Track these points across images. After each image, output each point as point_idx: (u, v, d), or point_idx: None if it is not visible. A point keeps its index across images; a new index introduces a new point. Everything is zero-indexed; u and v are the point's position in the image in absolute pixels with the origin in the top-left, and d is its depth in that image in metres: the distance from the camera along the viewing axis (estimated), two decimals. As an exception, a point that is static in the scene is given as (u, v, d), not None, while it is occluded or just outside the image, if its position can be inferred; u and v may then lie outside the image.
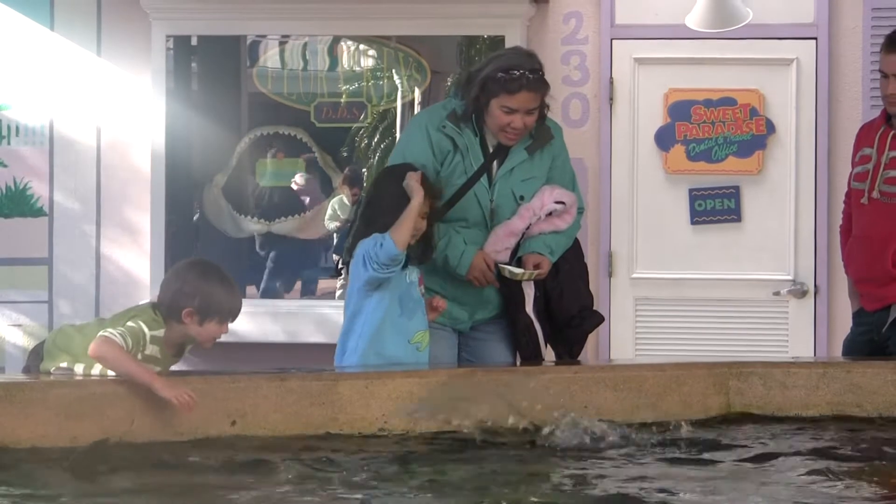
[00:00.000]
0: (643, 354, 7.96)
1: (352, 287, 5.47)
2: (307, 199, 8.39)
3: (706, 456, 4.73)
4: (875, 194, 5.97)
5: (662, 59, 8.00)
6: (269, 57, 8.41)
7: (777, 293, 7.97)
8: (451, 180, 5.62)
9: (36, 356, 5.17)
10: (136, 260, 8.29)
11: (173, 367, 5.19)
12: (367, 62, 8.39)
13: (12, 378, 5.88)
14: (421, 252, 5.48)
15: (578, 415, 4.89)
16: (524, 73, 5.53)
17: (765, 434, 5.05)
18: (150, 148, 8.18)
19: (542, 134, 5.70)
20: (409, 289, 5.44)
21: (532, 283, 5.75)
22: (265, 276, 8.41)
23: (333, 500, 4.21)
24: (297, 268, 8.54)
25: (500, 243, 5.64)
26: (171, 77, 8.25)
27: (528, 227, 5.66)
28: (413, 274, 5.47)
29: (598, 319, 5.88)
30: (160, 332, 5.01)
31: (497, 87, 5.53)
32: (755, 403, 5.30)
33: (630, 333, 8.06)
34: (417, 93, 8.25)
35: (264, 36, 8.42)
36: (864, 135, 6.15)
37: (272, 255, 8.45)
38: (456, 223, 5.64)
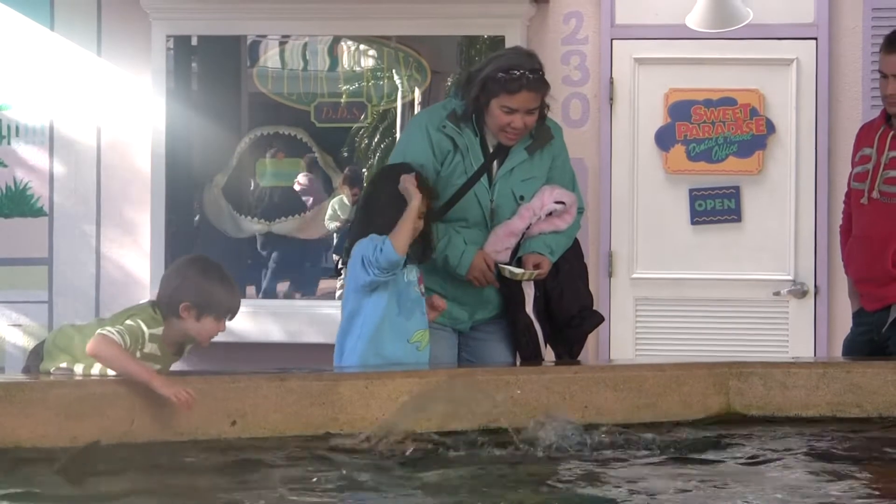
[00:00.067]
0: (643, 354, 7.96)
1: (349, 287, 5.47)
2: (310, 199, 8.39)
3: (706, 456, 4.73)
4: (875, 194, 5.97)
5: (662, 59, 8.01)
6: (270, 57, 8.41)
7: (777, 293, 7.97)
8: (451, 180, 5.62)
9: (36, 356, 5.17)
10: (136, 260, 8.29)
11: (174, 367, 5.20)
12: (368, 62, 8.39)
13: (12, 378, 5.87)
14: (420, 251, 5.48)
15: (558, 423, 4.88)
16: (524, 73, 5.53)
17: (765, 434, 5.05)
18: (150, 148, 8.18)
19: (542, 134, 5.70)
20: (407, 288, 5.44)
21: (532, 283, 5.76)
22: (265, 276, 8.41)
23: (333, 501, 4.21)
24: (298, 268, 8.54)
25: (500, 243, 5.65)
26: (172, 77, 8.25)
27: (528, 227, 5.66)
28: (412, 273, 5.47)
29: (597, 319, 5.88)
30: (159, 331, 5.02)
31: (497, 87, 5.53)
32: (755, 403, 5.30)
33: (630, 333, 8.06)
34: (417, 93, 8.25)
35: (264, 36, 8.42)
36: (864, 135, 6.15)
37: (272, 255, 8.45)
38: (456, 223, 5.65)
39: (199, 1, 8.11)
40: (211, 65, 8.55)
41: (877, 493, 4.33)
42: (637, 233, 8.06)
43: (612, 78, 8.04)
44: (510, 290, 5.74)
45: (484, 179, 5.65)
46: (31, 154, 8.36)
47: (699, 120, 7.98)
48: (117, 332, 4.86)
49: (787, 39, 7.96)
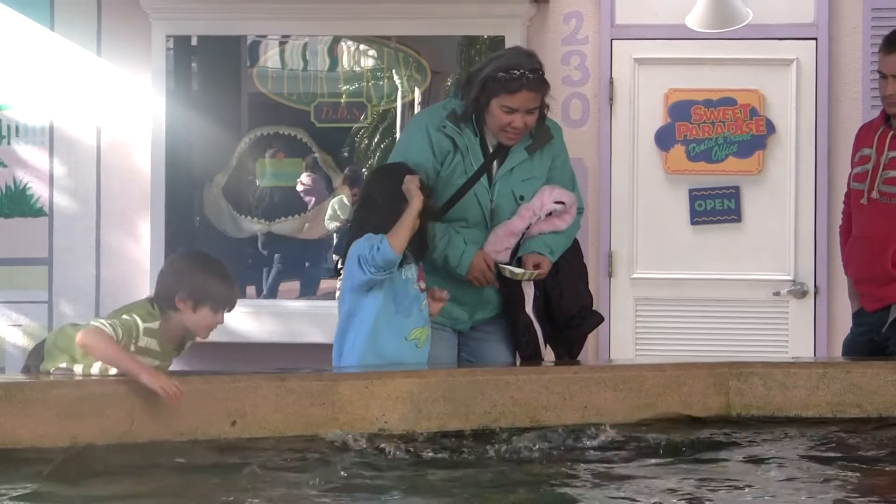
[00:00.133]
0: (643, 354, 7.96)
1: (346, 286, 5.48)
2: (312, 199, 8.39)
3: (706, 456, 4.73)
4: (874, 194, 5.97)
5: (662, 59, 8.00)
6: (270, 57, 8.41)
7: (777, 293, 7.97)
8: (451, 180, 5.62)
9: (36, 356, 5.18)
10: (136, 260, 8.29)
11: (174, 368, 5.20)
12: (368, 62, 8.38)
13: (12, 378, 5.88)
14: (416, 249, 5.48)
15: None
16: (524, 73, 5.53)
17: (765, 434, 5.05)
18: (150, 148, 8.18)
19: (542, 134, 5.70)
20: (405, 286, 5.44)
21: (532, 283, 5.76)
22: (265, 276, 8.41)
23: (333, 501, 4.21)
24: (298, 268, 8.54)
25: (500, 243, 5.65)
26: (172, 77, 8.24)
27: (528, 227, 5.66)
28: (410, 271, 5.47)
29: (597, 319, 5.88)
30: (155, 325, 5.03)
31: (497, 87, 5.53)
32: (755, 403, 5.30)
33: (630, 333, 8.06)
34: (417, 93, 8.25)
35: (264, 36, 8.42)
36: (864, 135, 6.15)
37: (272, 255, 8.44)
38: (456, 223, 5.65)
39: (199, 1, 8.11)
40: (211, 65, 8.55)
41: (877, 493, 4.33)
42: (637, 233, 8.06)
43: (612, 78, 8.04)
44: (510, 290, 5.74)
45: (484, 179, 5.65)
46: (31, 154, 8.36)
47: (699, 120, 7.98)
48: (110, 324, 4.90)
49: (787, 39, 7.96)
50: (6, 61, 8.34)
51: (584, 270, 5.89)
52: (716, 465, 4.62)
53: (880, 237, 5.94)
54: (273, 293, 8.35)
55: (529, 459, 4.66)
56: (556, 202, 5.66)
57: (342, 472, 4.43)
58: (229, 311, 5.15)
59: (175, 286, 5.06)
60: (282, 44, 8.37)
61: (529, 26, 8.04)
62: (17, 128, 8.36)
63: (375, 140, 8.39)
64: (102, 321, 4.92)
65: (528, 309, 5.84)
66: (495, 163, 5.67)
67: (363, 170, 8.33)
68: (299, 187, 8.38)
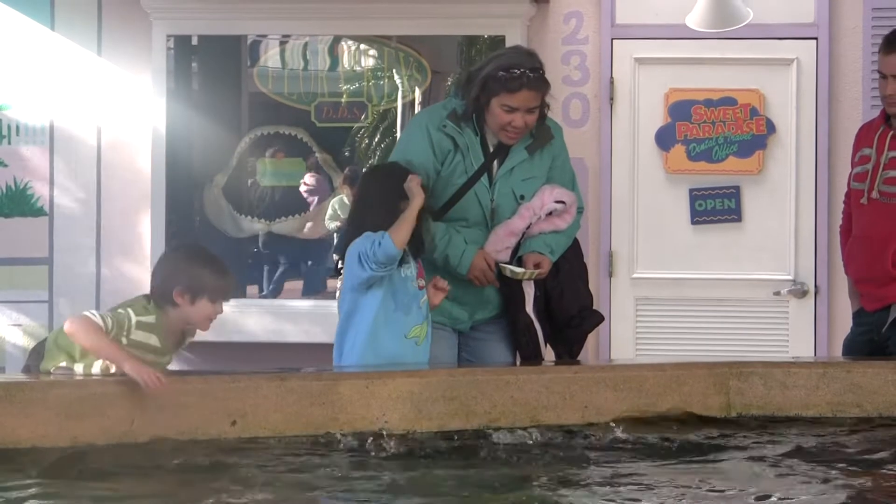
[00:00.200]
0: (643, 354, 7.96)
1: (346, 286, 5.48)
2: (315, 199, 8.39)
3: (706, 456, 4.73)
4: (874, 194, 5.97)
5: (663, 59, 8.01)
6: (270, 57, 8.41)
7: (777, 293, 7.97)
8: (451, 180, 5.62)
9: (36, 356, 5.18)
10: (136, 260, 8.29)
11: (174, 368, 5.20)
12: (368, 62, 8.39)
13: (12, 378, 5.88)
14: (414, 247, 5.48)
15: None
16: (525, 72, 5.53)
17: (765, 434, 5.04)
18: (150, 148, 8.18)
19: (542, 133, 5.70)
20: (404, 283, 5.44)
21: (532, 282, 5.76)
22: (265, 276, 8.41)
23: (333, 501, 4.21)
24: (298, 267, 8.54)
25: (500, 243, 5.65)
26: (172, 77, 8.25)
27: (528, 227, 5.66)
28: (409, 269, 5.47)
29: (597, 319, 5.88)
30: (150, 319, 5.03)
31: (498, 86, 5.53)
32: (755, 403, 5.30)
33: (630, 333, 8.06)
34: (418, 93, 8.26)
35: (265, 36, 8.42)
36: (864, 135, 6.15)
37: (273, 255, 8.45)
38: (456, 223, 5.65)
39: (200, 1, 8.11)
40: (211, 65, 8.55)
41: (877, 493, 4.33)
42: (637, 233, 8.06)
43: (612, 78, 8.04)
44: (510, 289, 5.74)
45: (484, 179, 5.65)
46: (31, 154, 8.36)
47: (699, 120, 7.98)
48: (100, 315, 4.91)
49: (787, 39, 7.96)
50: (6, 61, 8.34)
51: (584, 270, 5.89)
52: (716, 464, 4.62)
53: (880, 237, 5.94)
54: (270, 292, 8.36)
55: (529, 460, 4.66)
56: (557, 202, 5.67)
57: (342, 472, 4.43)
58: (227, 300, 5.16)
59: (171, 281, 5.07)
60: (282, 43, 8.38)
61: (530, 26, 8.04)
62: (17, 127, 8.36)
63: (376, 140, 8.40)
64: (93, 311, 4.95)
65: (529, 308, 5.84)
66: (496, 162, 5.67)
67: (363, 169, 8.33)
68: (303, 188, 8.38)
